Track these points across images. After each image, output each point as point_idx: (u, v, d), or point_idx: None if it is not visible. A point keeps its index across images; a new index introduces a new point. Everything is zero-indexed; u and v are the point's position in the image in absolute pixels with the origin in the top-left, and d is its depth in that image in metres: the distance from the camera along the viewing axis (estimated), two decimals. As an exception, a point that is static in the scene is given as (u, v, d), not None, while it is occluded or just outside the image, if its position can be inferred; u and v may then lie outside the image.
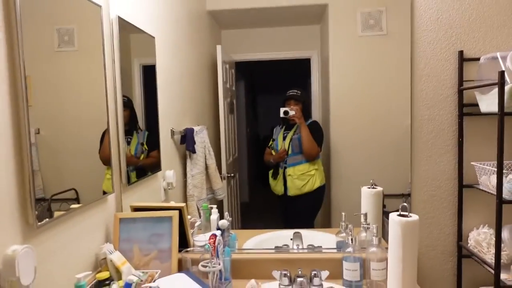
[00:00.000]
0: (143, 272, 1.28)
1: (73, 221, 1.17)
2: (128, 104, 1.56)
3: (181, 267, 1.38)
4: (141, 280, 1.21)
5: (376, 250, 1.32)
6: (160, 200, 1.78)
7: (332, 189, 1.84)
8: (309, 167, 1.85)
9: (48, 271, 1.05)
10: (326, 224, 1.88)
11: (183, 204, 1.47)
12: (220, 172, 2.07)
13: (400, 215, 1.22)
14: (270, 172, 1.96)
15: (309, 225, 1.95)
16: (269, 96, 2.32)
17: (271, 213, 2.10)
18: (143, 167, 1.66)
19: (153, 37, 1.70)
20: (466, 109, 1.42)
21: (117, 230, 1.37)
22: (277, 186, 1.94)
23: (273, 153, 1.95)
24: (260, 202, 2.12)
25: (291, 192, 1.89)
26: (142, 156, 1.64)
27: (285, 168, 1.88)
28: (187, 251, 1.43)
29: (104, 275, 1.21)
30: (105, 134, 1.35)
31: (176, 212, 1.41)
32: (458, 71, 1.42)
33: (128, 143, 1.57)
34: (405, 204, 1.25)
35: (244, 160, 2.45)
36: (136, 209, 1.47)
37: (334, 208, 1.85)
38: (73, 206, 1.16)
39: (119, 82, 1.48)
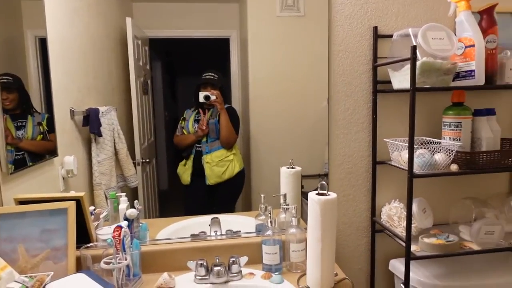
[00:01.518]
0: (29, 277, 1.06)
1: None
2: (14, 84, 1.28)
3: (80, 266, 1.19)
4: (26, 287, 1.00)
5: (295, 231, 1.28)
6: (59, 191, 1.54)
7: (252, 172, 1.79)
8: (226, 153, 1.76)
9: None
10: (247, 207, 1.83)
11: (82, 194, 1.27)
12: (133, 158, 1.88)
13: (318, 193, 1.18)
14: (183, 160, 1.81)
15: (230, 210, 1.88)
16: (189, 77, 2.19)
17: (191, 203, 1.99)
18: (40, 153, 1.41)
19: (40, -1, 1.43)
20: (380, 86, 1.42)
21: (-5, 229, 1.13)
22: (184, 175, 1.79)
23: (185, 132, 1.81)
24: (179, 189, 1.97)
25: (211, 180, 1.77)
26: (39, 138, 1.38)
27: (201, 156, 1.76)
28: (87, 247, 1.24)
29: (-24, 285, 0.97)
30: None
31: (72, 203, 1.20)
32: (373, 47, 1.42)
33: (22, 127, 1.30)
34: (323, 182, 1.20)
35: (163, 145, 2.29)
36: (22, 202, 1.22)
37: (254, 191, 1.80)
38: None
39: None
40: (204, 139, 1.76)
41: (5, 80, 1.25)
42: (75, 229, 1.19)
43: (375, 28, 1.41)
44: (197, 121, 1.79)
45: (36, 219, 1.17)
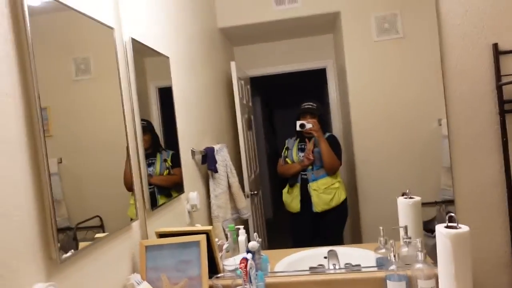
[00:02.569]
0: (174, 303, 1.20)
1: (97, 252, 1.11)
2: (148, 127, 1.52)
3: (212, 295, 1.30)
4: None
5: (422, 266, 1.21)
6: (185, 224, 1.71)
7: (360, 202, 1.77)
8: (332, 181, 1.79)
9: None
10: (357, 239, 1.80)
11: (210, 227, 1.39)
12: (243, 190, 2.00)
13: (447, 226, 1.11)
14: (286, 187, 1.87)
15: (339, 241, 1.85)
16: (286, 110, 2.29)
17: (295, 232, 2.02)
18: (167, 187, 1.61)
19: (167, 57, 1.67)
20: (508, 106, 1.30)
21: (143, 259, 1.30)
22: (293, 203, 1.84)
23: (289, 161, 1.87)
24: (284, 218, 2.04)
25: (318, 208, 1.80)
26: (165, 173, 1.59)
27: (307, 183, 1.80)
28: (217, 278, 1.34)
29: (133, 308, 1.13)
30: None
31: (204, 236, 1.33)
32: (495, 66, 1.32)
33: (152, 164, 1.52)
34: (452, 214, 1.13)
35: (266, 176, 2.40)
36: (161, 235, 1.40)
37: (364, 222, 1.77)
38: (98, 235, 1.10)
39: (136, 105, 1.44)
40: (310, 167, 1.81)
41: (142, 125, 1.48)
42: (206, 260, 1.31)
43: (495, 45, 1.32)
44: (301, 149, 1.85)
45: (173, 251, 1.32)
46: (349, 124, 1.77)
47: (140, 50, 1.49)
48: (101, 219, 1.14)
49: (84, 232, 1.07)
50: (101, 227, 1.14)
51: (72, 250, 0.97)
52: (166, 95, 1.70)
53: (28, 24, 0.88)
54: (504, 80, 1.30)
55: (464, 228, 1.09)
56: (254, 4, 1.80)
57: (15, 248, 0.82)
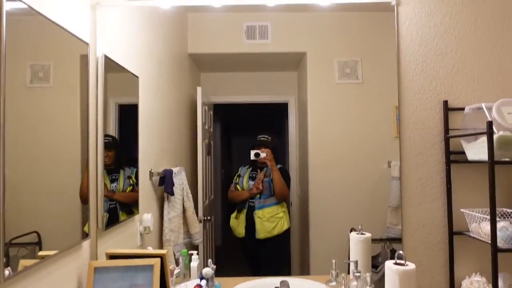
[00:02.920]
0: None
1: (43, 272, 1.03)
2: (113, 143, 1.48)
3: (162, 323, 1.24)
4: None
5: (371, 301, 1.27)
6: (136, 246, 1.65)
7: (311, 234, 1.81)
8: (277, 210, 1.86)
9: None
10: (305, 271, 1.83)
11: (164, 251, 1.36)
12: (197, 215, 1.98)
13: (396, 263, 1.19)
14: (234, 213, 1.92)
15: (286, 270, 1.89)
16: (244, 138, 2.32)
17: (243, 260, 2.02)
18: (129, 203, 1.56)
19: (137, 77, 1.66)
20: (453, 157, 1.45)
21: (91, 282, 1.23)
22: (238, 228, 1.90)
23: (239, 188, 1.92)
24: (232, 245, 2.04)
25: (261, 235, 1.85)
26: (129, 189, 1.54)
27: (253, 210, 1.86)
28: (168, 304, 1.29)
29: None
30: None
31: (158, 260, 1.29)
32: (444, 120, 1.47)
33: (115, 180, 1.49)
34: (401, 252, 1.22)
35: (219, 202, 2.39)
36: (112, 256, 1.33)
37: (313, 253, 1.81)
38: (43, 253, 1.02)
39: (101, 121, 1.41)
40: (258, 196, 1.86)
41: (106, 141, 1.44)
42: (159, 285, 1.26)
43: (446, 102, 1.48)
44: (251, 178, 1.91)
45: (125, 274, 1.26)
46: (306, 158, 1.83)
47: (112, 67, 1.47)
48: (38, 235, 1.05)
49: (20, 248, 0.97)
50: (37, 244, 1.04)
51: (9, 269, 0.89)
52: (127, 112, 1.67)
53: (4, 28, 0.85)
54: (452, 133, 1.45)
55: (410, 265, 1.17)
56: (225, 35, 1.85)
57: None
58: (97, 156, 1.37)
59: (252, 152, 1.85)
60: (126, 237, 1.60)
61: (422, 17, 1.51)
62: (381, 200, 1.63)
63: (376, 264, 1.38)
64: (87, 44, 1.26)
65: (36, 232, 1.05)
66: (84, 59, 1.30)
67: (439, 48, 1.50)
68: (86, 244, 1.29)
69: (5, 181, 0.91)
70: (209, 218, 2.10)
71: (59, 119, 1.18)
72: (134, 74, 1.64)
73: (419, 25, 1.51)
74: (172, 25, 1.96)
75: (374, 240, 1.54)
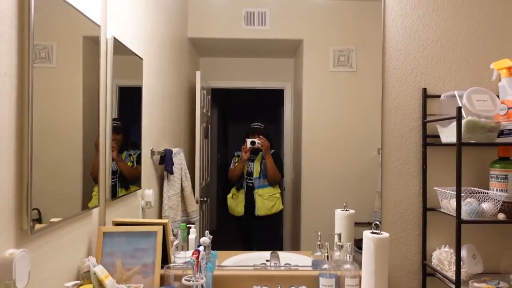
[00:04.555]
0: (127, 286, 1.33)
1: (63, 231, 1.22)
2: (122, 128, 1.64)
3: (163, 282, 1.44)
4: (126, 294, 1.27)
5: (350, 267, 1.46)
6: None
7: (302, 213, 1.94)
8: (274, 191, 2.03)
9: (39, 278, 1.10)
10: (296, 247, 1.96)
11: (166, 220, 1.55)
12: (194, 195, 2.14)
13: (372, 232, 1.39)
14: (230, 193, 2.09)
15: (279, 245, 2.04)
16: (240, 124, 2.36)
17: (237, 238, 2.18)
18: (128, 177, 1.72)
19: (142, 59, 1.81)
20: (429, 140, 1.63)
21: (100, 244, 1.42)
22: (237, 207, 2.07)
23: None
24: (227, 225, 2.22)
25: (261, 212, 2.02)
26: (129, 164, 1.72)
27: (253, 190, 2.03)
28: (169, 267, 1.49)
29: (88, 287, 1.25)
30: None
31: (161, 228, 1.48)
32: (422, 106, 1.65)
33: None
34: (377, 222, 1.42)
35: (214, 186, 2.54)
36: (118, 224, 1.52)
37: (304, 231, 1.94)
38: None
39: (109, 102, 1.54)
40: (257, 175, 2.04)
41: (115, 125, 1.61)
42: (161, 250, 1.46)
43: (424, 89, 1.65)
44: (250, 160, 2.09)
45: (131, 239, 1.45)
46: (299, 144, 1.95)
47: (120, 49, 1.63)
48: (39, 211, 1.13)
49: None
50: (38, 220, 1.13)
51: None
52: (130, 94, 1.82)
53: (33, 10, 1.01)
54: (429, 118, 1.63)
55: (385, 234, 1.37)
56: (225, 20, 1.93)
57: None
58: (106, 134, 1.54)
59: (248, 141, 1.99)
60: (130, 210, 1.77)
61: (407, 10, 1.66)
62: (370, 185, 1.75)
63: (361, 246, 1.49)
64: (99, 26, 1.41)
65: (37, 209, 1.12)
66: (88, 41, 1.39)
67: (421, 39, 1.66)
68: (95, 212, 1.48)
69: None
70: (205, 199, 2.28)
71: (74, 100, 1.34)
72: (139, 56, 1.78)
73: (404, 17, 1.66)
74: (174, 9, 2.04)
75: (361, 224, 1.70)
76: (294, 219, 2.05)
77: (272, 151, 2.02)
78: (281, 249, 2.02)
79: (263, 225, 2.04)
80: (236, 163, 2.11)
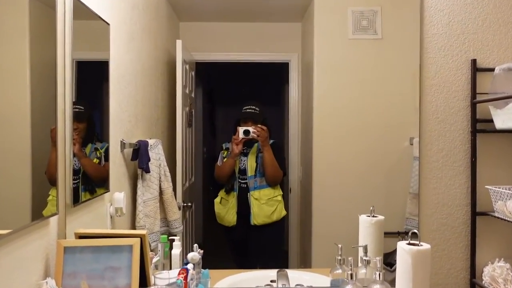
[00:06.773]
0: (96, 315, 1.32)
1: (9, 247, 1.20)
2: (85, 114, 1.61)
3: (141, 309, 1.44)
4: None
5: (380, 287, 1.47)
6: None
7: (314, 222, 1.94)
8: (275, 192, 2.01)
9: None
10: (306, 263, 1.97)
11: (144, 231, 1.54)
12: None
13: (410, 243, 1.39)
14: (218, 197, 2.05)
15: (284, 263, 2.05)
16: (231, 108, 2.36)
17: (229, 254, 2.19)
18: (93, 177, 1.70)
19: (108, 24, 1.76)
20: (480, 125, 1.64)
21: (60, 262, 1.40)
22: (228, 215, 2.03)
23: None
24: (217, 237, 2.21)
25: (258, 220, 2.00)
26: (96, 161, 1.69)
27: (247, 192, 2.00)
28: (150, 290, 1.48)
29: (45, 318, 1.24)
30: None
31: (138, 240, 1.47)
32: (471, 82, 1.65)
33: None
34: (415, 231, 1.42)
35: (199, 187, 2.52)
36: (82, 237, 1.51)
37: (316, 244, 1.93)
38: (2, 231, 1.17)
39: (69, 81, 1.49)
40: (252, 174, 2.01)
41: (76, 110, 1.59)
42: (138, 268, 1.45)
43: (474, 61, 1.65)
44: (243, 154, 2.03)
45: (100, 255, 1.44)
46: (309, 132, 1.94)
47: (80, 12, 1.59)
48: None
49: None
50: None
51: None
52: (94, 70, 1.78)
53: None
54: (479, 98, 1.64)
55: (425, 245, 1.37)
56: None
57: None
58: (65, 128, 1.49)
59: (241, 130, 1.94)
60: (95, 219, 1.75)
61: (451, -43, 1.67)
62: (400, 185, 1.78)
63: (391, 262, 1.51)
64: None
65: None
66: (37, 2, 1.31)
67: (469, -4, 1.66)
68: (53, 221, 1.46)
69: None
70: (189, 204, 2.25)
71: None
72: (105, 21, 1.74)
73: (447, -33, 1.67)
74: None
75: (390, 234, 1.68)
76: (302, 228, 2.05)
77: (272, 141, 1.99)
78: (286, 266, 2.04)
79: (261, 236, 2.02)
80: (225, 158, 2.06)
